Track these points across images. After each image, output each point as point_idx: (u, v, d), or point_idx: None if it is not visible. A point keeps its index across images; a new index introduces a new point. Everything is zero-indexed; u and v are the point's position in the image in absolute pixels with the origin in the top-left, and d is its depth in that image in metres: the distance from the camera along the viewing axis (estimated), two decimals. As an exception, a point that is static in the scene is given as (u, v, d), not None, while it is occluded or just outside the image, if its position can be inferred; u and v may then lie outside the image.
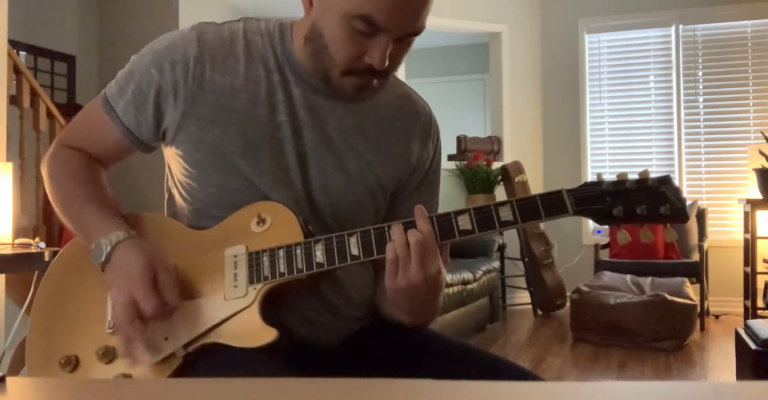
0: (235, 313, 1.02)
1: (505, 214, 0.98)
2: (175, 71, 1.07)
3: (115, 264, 1.03)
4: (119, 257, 1.03)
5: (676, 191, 0.95)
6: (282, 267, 1.02)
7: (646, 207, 0.95)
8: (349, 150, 1.12)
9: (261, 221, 1.06)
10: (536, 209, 0.97)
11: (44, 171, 1.17)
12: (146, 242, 1.06)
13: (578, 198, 0.97)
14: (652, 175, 0.97)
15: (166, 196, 1.21)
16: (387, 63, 1.00)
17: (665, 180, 0.96)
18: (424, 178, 1.21)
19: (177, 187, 1.16)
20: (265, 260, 1.03)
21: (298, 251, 1.02)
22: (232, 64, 1.08)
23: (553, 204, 0.97)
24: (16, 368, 2.58)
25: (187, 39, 1.08)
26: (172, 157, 1.14)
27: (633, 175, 0.98)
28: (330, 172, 1.11)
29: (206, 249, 1.07)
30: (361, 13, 0.97)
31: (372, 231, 1.01)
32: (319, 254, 1.02)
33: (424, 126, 1.20)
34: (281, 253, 1.03)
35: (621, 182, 0.97)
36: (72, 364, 1.06)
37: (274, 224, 1.05)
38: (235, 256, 1.05)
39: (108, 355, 1.05)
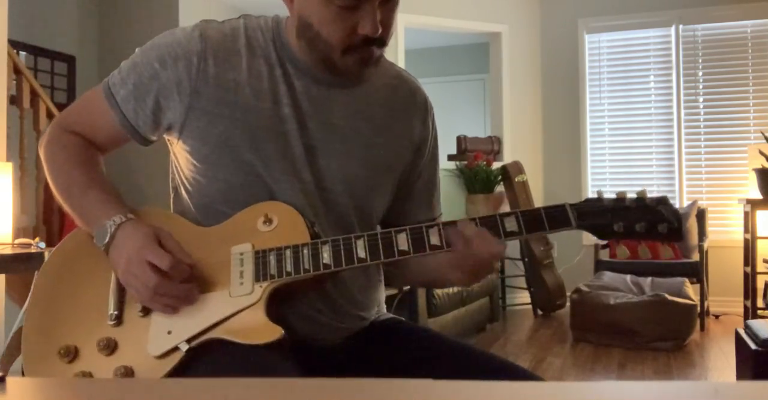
0: (240, 310, 1.02)
1: (510, 225, 1.02)
2: (178, 67, 1.08)
3: (119, 243, 1.05)
4: (122, 236, 1.05)
5: (674, 211, 1.00)
6: (289, 266, 1.03)
7: (644, 224, 1.00)
8: (356, 135, 1.14)
9: (268, 221, 1.07)
10: (540, 221, 1.01)
11: (42, 153, 1.18)
12: (146, 221, 1.08)
13: (581, 213, 1.01)
14: (650, 195, 1.02)
15: (172, 194, 1.22)
16: (380, 29, 1.02)
17: (663, 200, 1.01)
18: (428, 154, 1.24)
19: (184, 184, 1.17)
20: (272, 258, 1.04)
21: (305, 251, 1.03)
22: (234, 60, 1.10)
23: (556, 217, 1.01)
24: (10, 358, 2.56)
25: (190, 35, 1.10)
26: (179, 153, 1.15)
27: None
28: (340, 159, 1.13)
29: (211, 246, 1.08)
30: None
31: (379, 235, 1.03)
32: (326, 255, 1.03)
33: (421, 103, 1.24)
34: (288, 252, 1.04)
35: (621, 200, 1.01)
36: (71, 354, 1.05)
37: (281, 225, 1.06)
38: (242, 254, 1.06)
39: (109, 347, 1.04)
